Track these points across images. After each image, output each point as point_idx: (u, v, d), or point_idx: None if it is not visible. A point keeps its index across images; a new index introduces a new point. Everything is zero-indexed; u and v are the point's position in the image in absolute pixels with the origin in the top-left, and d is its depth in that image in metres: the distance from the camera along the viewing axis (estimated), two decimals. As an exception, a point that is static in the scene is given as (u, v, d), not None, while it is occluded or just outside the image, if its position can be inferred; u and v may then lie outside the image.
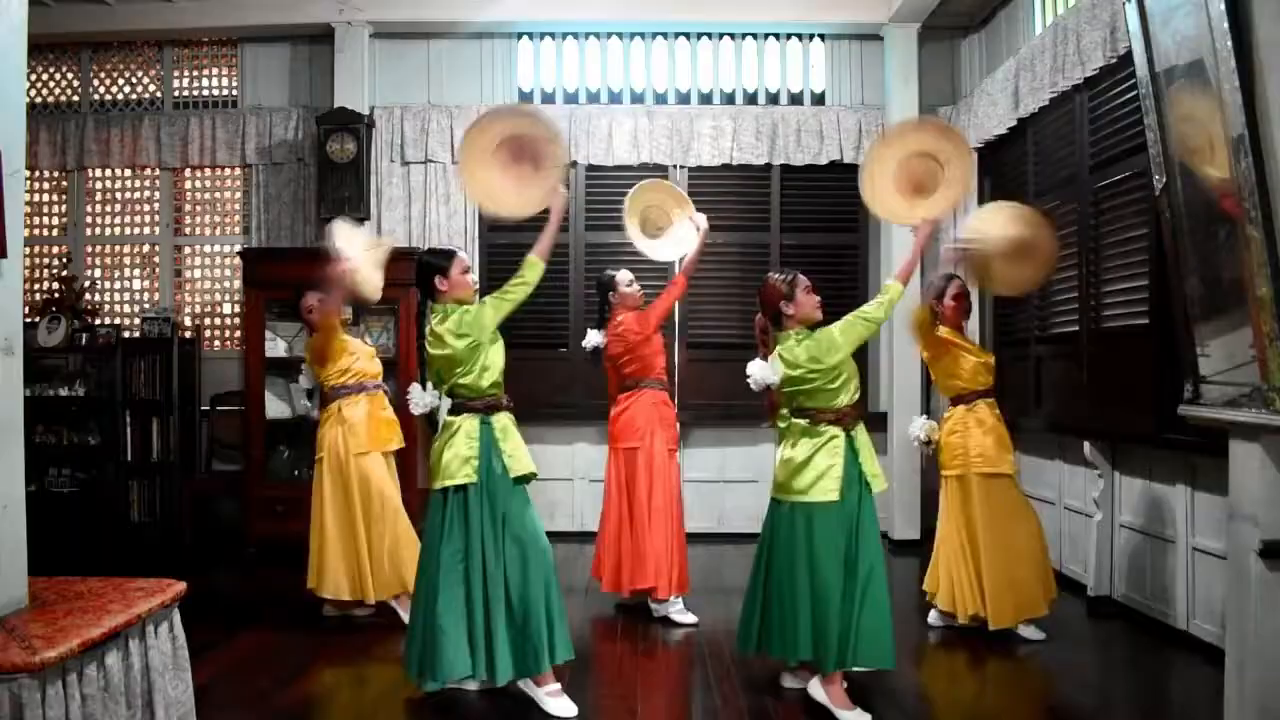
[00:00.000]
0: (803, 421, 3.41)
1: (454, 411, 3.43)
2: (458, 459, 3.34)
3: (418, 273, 3.51)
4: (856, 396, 3.45)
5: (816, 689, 3.36)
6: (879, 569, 3.34)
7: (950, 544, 4.23)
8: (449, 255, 3.51)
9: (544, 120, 3.60)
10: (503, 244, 6.48)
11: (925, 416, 4.52)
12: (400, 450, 4.70)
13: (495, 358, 3.41)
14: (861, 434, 3.44)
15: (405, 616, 4.13)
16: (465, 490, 3.34)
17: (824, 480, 3.32)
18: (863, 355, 6.40)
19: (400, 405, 4.82)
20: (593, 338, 4.73)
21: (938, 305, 4.29)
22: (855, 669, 3.34)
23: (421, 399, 3.69)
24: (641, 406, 4.59)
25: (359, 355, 4.62)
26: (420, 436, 5.57)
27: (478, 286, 3.56)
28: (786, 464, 3.40)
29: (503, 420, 3.43)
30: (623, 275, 4.70)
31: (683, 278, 4.66)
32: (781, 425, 3.53)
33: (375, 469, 4.47)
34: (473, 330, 3.35)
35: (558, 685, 3.36)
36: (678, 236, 4.77)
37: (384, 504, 4.43)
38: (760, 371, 3.44)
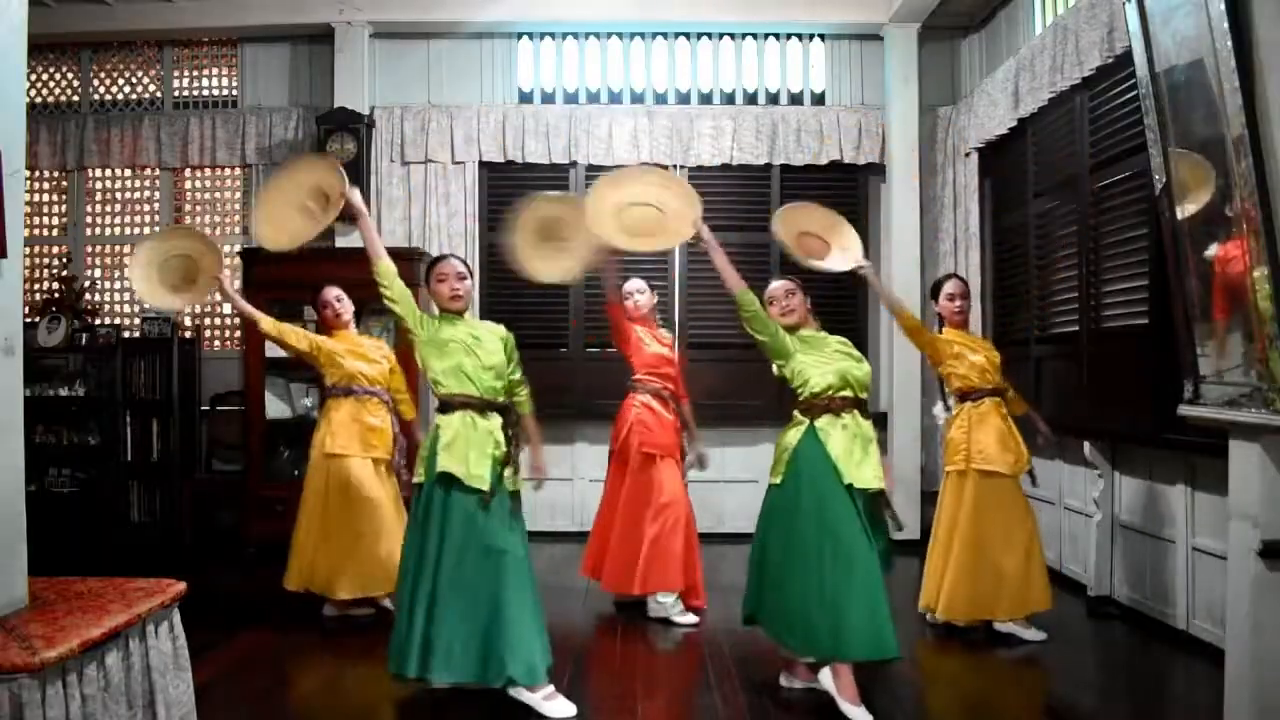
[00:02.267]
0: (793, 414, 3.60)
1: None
2: (419, 458, 3.46)
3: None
4: (831, 390, 3.44)
5: (826, 677, 3.34)
6: (860, 561, 3.29)
7: (941, 538, 4.25)
8: (431, 263, 3.61)
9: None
10: (503, 244, 6.46)
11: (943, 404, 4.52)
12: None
13: (432, 362, 3.44)
14: (831, 424, 3.42)
15: None
16: (420, 489, 3.40)
17: (776, 464, 3.51)
18: (862, 354, 6.40)
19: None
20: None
21: (935, 305, 4.31)
22: (857, 660, 3.32)
23: None
24: (623, 410, 4.67)
25: (350, 356, 4.59)
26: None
27: (458, 293, 3.53)
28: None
29: (448, 419, 3.40)
30: (627, 286, 4.68)
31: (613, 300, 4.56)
32: None
33: (356, 471, 4.44)
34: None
35: (551, 688, 3.35)
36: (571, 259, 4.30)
37: (370, 506, 4.41)
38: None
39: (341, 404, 4.52)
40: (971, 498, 4.16)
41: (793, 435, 3.48)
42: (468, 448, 3.34)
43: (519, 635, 3.27)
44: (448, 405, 3.42)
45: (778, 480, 3.47)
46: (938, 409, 4.59)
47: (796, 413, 3.53)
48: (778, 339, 3.48)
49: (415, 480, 3.43)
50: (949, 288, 4.32)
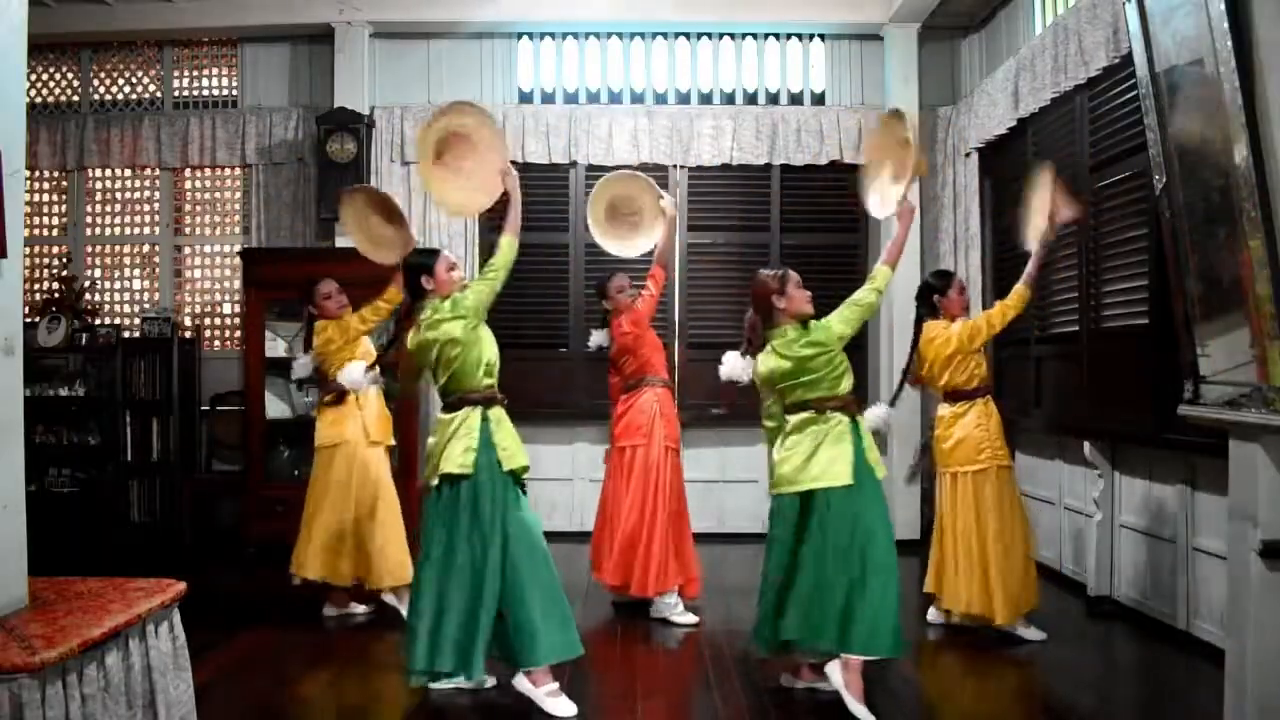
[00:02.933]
0: (806, 413, 3.41)
1: (452, 408, 3.43)
2: (457, 450, 3.34)
3: (404, 274, 3.58)
4: (851, 387, 3.47)
5: (835, 672, 3.32)
6: (888, 556, 3.33)
7: (964, 540, 4.20)
8: (434, 254, 3.56)
9: (475, 108, 3.74)
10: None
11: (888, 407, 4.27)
12: (401, 447, 4.75)
13: (489, 348, 3.46)
14: (862, 422, 3.47)
15: (404, 610, 4.16)
16: (459, 482, 3.34)
17: (837, 465, 3.34)
18: (862, 355, 6.41)
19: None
20: (596, 337, 4.75)
21: (942, 300, 4.30)
22: (862, 658, 3.33)
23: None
24: (642, 405, 4.59)
25: (368, 347, 4.67)
26: (422, 433, 5.58)
27: (466, 284, 3.57)
28: (791, 457, 3.39)
29: (498, 414, 3.45)
30: (614, 281, 4.68)
31: (659, 268, 4.58)
32: (770, 424, 3.56)
33: (382, 461, 4.55)
34: (467, 311, 3.40)
35: (555, 685, 3.35)
36: (648, 230, 4.72)
37: (385, 496, 4.48)
38: (732, 366, 3.51)
39: (369, 392, 4.58)
40: (996, 495, 4.17)
41: (844, 437, 3.37)
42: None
43: (549, 619, 3.34)
44: (491, 400, 3.43)
45: (847, 481, 3.32)
46: (882, 411, 4.16)
47: (833, 411, 3.39)
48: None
49: (458, 470, 3.32)
50: (958, 283, 4.36)
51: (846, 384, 3.43)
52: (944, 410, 4.32)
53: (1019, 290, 4.21)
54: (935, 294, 4.34)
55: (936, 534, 4.35)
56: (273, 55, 6.68)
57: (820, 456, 3.35)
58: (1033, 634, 4.17)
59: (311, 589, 4.52)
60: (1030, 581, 4.18)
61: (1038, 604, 4.21)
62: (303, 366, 4.74)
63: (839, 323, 3.42)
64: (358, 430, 4.49)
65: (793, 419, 3.44)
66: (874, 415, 4.07)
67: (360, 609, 4.58)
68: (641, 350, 4.61)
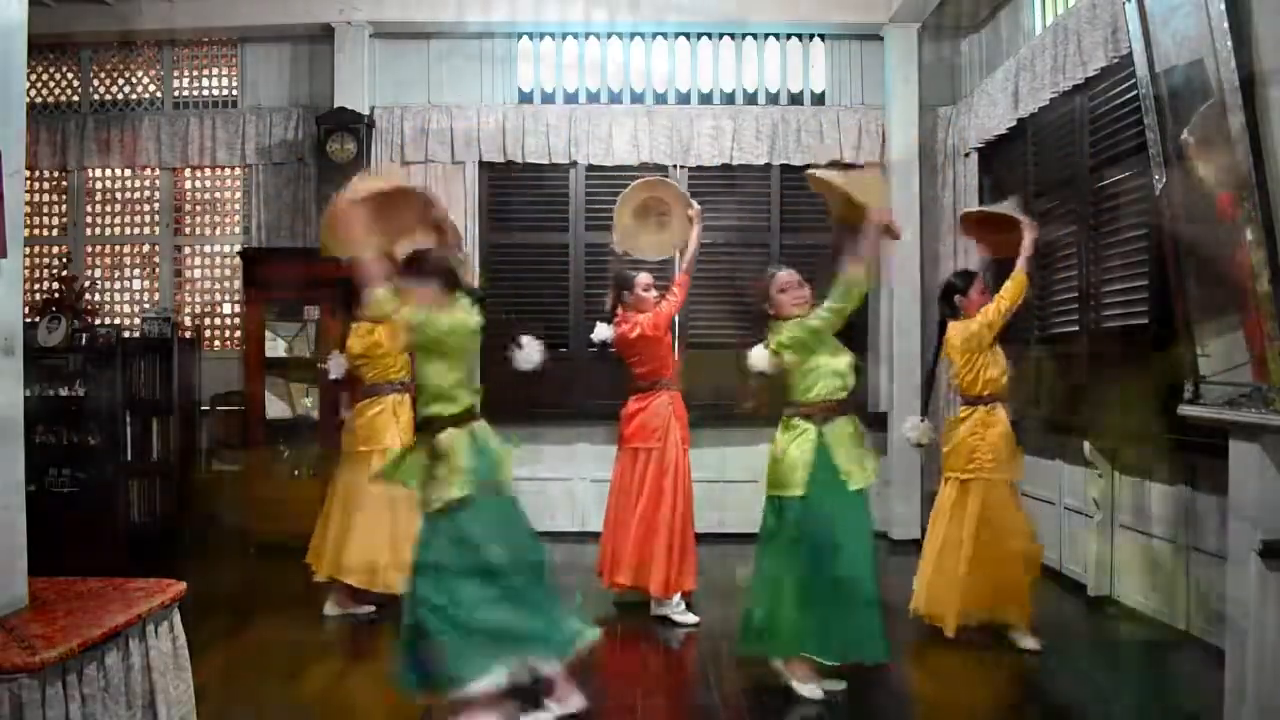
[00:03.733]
0: (784, 416, 3.51)
1: None
2: (449, 469, 3.27)
3: None
4: (837, 393, 3.46)
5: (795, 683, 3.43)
6: (861, 566, 3.34)
7: (952, 550, 4.15)
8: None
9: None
10: (502, 244, 6.49)
11: (921, 419, 4.39)
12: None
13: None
14: (838, 429, 3.44)
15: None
16: (458, 504, 3.24)
17: (795, 474, 3.40)
18: (862, 355, 6.40)
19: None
20: (601, 331, 4.69)
21: (963, 300, 4.25)
22: (847, 663, 3.37)
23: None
24: (658, 408, 4.57)
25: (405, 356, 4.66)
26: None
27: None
28: (769, 459, 3.53)
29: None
30: (643, 278, 4.62)
31: (685, 275, 4.60)
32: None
33: None
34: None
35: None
36: (672, 235, 4.79)
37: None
38: (757, 357, 3.54)
39: (404, 400, 4.60)
40: (976, 506, 4.09)
41: (804, 445, 3.40)
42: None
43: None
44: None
45: (799, 492, 3.37)
46: (917, 423, 4.31)
47: (797, 419, 3.45)
48: (828, 331, 3.44)
49: (457, 495, 3.13)
50: (978, 284, 4.26)
51: (821, 390, 3.44)
52: (956, 412, 4.32)
53: (1016, 277, 4.09)
54: (957, 294, 4.28)
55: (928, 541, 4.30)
56: (273, 55, 6.68)
57: (782, 464, 3.44)
58: (1031, 644, 4.10)
59: (313, 588, 4.52)
60: (1007, 595, 4.09)
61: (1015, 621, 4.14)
62: (337, 366, 4.73)
63: (814, 319, 3.43)
64: (395, 437, 4.49)
65: (782, 419, 3.54)
66: (910, 429, 4.29)
67: (361, 609, 4.58)
68: (659, 352, 4.60)
